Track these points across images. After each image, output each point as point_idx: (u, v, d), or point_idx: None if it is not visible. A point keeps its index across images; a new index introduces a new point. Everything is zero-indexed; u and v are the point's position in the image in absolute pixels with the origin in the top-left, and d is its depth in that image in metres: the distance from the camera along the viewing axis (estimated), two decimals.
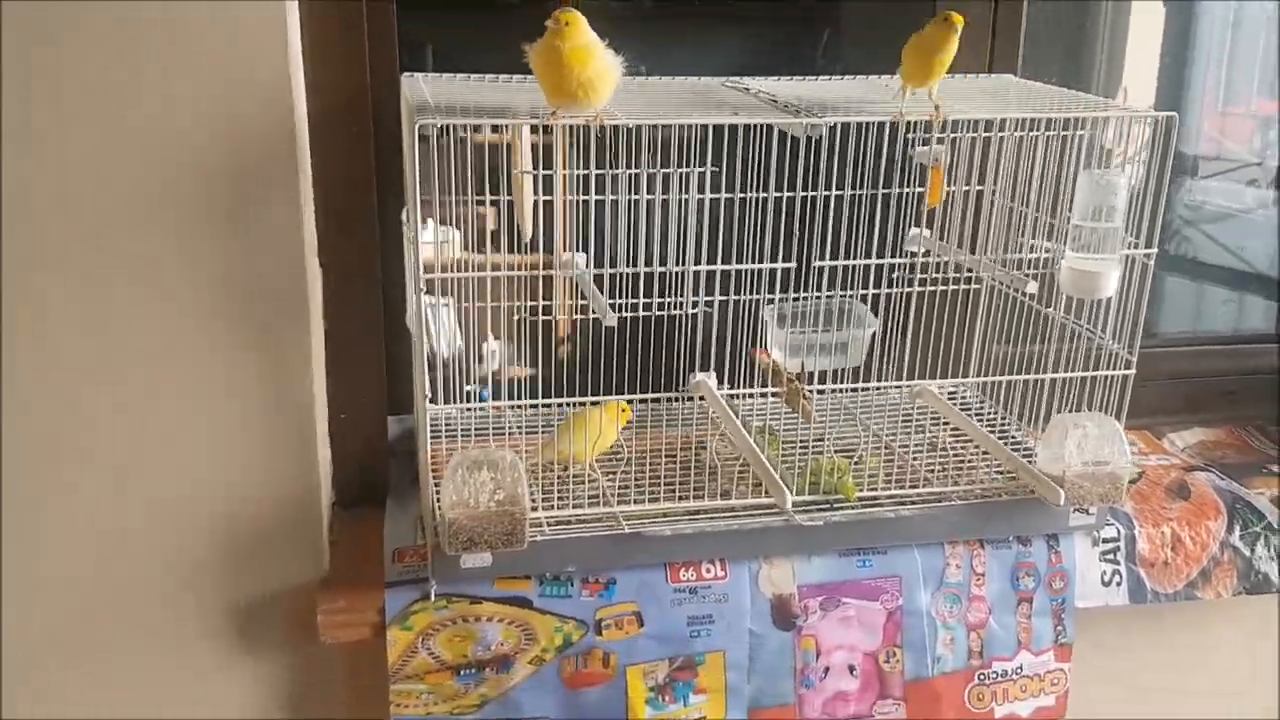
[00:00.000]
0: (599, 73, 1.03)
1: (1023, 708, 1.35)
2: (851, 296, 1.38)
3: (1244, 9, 1.96)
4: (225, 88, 1.10)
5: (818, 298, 1.33)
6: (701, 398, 1.38)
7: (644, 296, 1.28)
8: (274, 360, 1.19)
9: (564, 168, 1.21)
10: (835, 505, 1.26)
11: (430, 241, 1.19)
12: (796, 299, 1.35)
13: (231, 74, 1.09)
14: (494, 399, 1.28)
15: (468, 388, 1.36)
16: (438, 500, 1.11)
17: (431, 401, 1.12)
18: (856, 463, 1.32)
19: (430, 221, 1.19)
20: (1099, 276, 1.15)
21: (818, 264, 1.19)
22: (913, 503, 1.27)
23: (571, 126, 1.15)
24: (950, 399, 1.53)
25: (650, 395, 1.23)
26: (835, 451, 1.32)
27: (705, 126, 1.13)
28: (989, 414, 1.47)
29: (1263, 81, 1.95)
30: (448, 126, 1.05)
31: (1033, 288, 1.29)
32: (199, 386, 1.18)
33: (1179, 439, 1.67)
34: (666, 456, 1.27)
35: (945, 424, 1.42)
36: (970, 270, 1.38)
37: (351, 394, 1.32)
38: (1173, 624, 1.48)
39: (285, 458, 1.20)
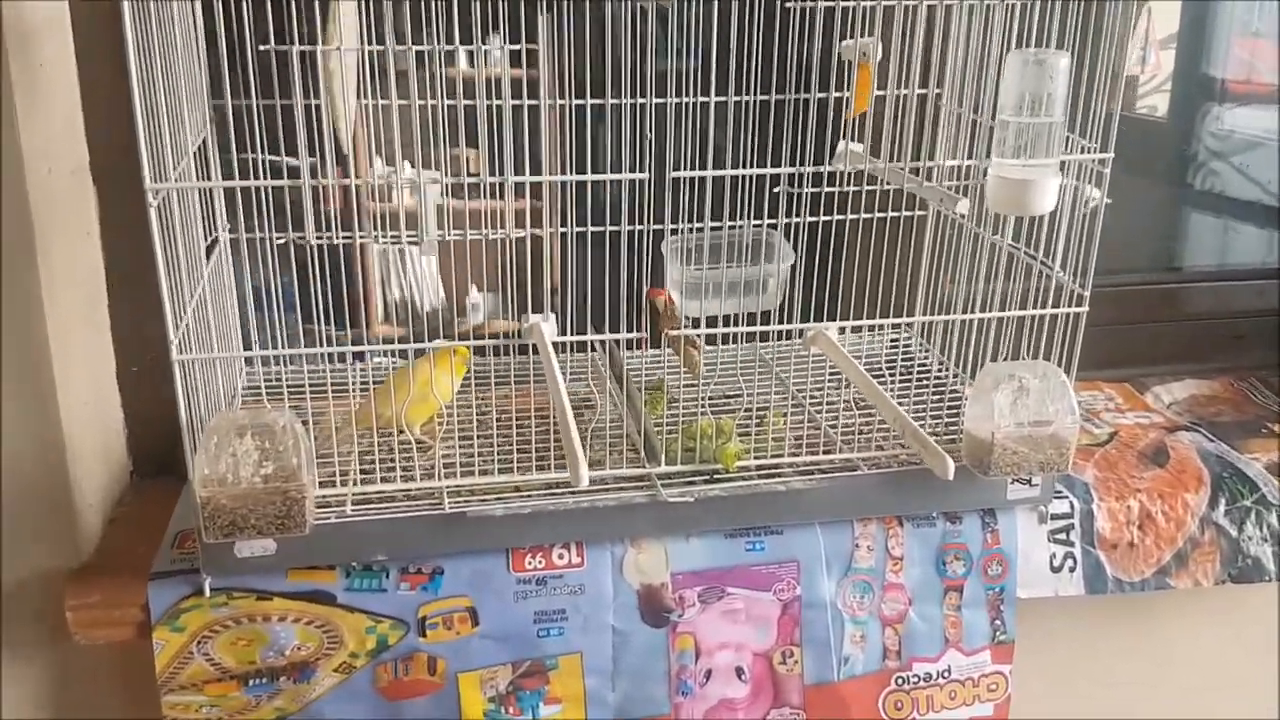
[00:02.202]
0: None
1: (952, 717, 1.12)
2: (764, 226, 1.15)
3: None
4: None
5: (716, 228, 1.10)
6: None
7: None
8: None
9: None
10: (714, 477, 1.03)
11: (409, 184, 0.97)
12: (698, 230, 1.12)
13: None
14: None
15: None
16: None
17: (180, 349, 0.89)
18: (759, 425, 1.09)
19: (408, 164, 0.96)
20: (1030, 186, 0.90)
21: (673, 175, 0.95)
22: (809, 472, 1.04)
23: None
24: (893, 347, 1.29)
25: (477, 342, 1.00)
26: (725, 412, 1.08)
27: None
28: (932, 366, 1.23)
29: None
30: None
31: (964, 207, 1.04)
32: None
33: (1166, 393, 1.42)
34: (519, 419, 1.03)
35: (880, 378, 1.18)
36: (890, 185, 1.12)
37: (146, 343, 1.09)
38: (1140, 618, 1.24)
39: (24, 419, 0.98)
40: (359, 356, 1.20)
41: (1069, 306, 1.03)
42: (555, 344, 0.97)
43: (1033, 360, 1.04)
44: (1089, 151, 0.98)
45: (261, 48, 0.94)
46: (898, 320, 1.08)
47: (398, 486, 0.99)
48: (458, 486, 1.00)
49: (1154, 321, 1.49)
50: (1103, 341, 1.46)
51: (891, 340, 1.31)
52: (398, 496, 0.99)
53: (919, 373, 1.19)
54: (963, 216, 1.10)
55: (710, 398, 1.11)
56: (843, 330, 1.05)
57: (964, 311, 1.12)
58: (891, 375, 1.19)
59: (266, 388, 1.13)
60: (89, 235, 1.06)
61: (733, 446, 1.02)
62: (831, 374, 1.12)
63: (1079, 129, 0.97)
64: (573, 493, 1.00)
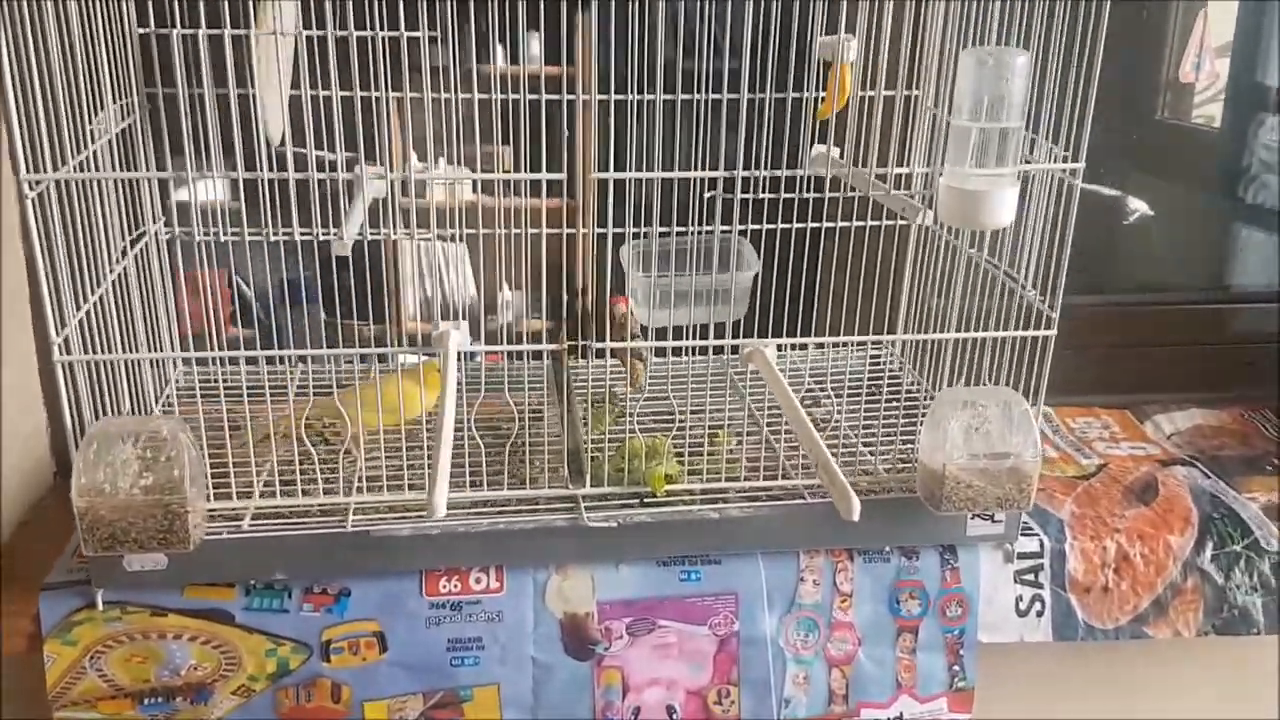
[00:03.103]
0: None
1: None
2: (734, 233, 1.08)
3: None
4: None
5: (680, 234, 1.04)
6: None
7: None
8: None
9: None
10: (644, 501, 0.96)
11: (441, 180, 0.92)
12: (664, 235, 1.05)
13: None
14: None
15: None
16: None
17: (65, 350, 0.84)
18: (712, 444, 1.01)
19: (441, 160, 0.93)
20: (982, 198, 0.82)
21: (600, 176, 0.88)
22: (756, 498, 0.96)
23: None
24: (875, 365, 1.21)
25: (374, 350, 0.93)
26: (670, 432, 1.00)
27: None
28: (905, 387, 1.14)
29: None
30: None
31: (928, 218, 0.96)
32: None
33: (1168, 422, 1.32)
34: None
35: (830, 398, 1.10)
36: (855, 192, 1.04)
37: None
38: (1114, 670, 1.14)
39: None
40: (302, 359, 1.15)
41: (1036, 329, 0.94)
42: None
43: (994, 387, 0.95)
44: (1058, 160, 0.90)
45: (186, 32, 0.88)
46: (842, 340, 0.99)
47: (308, 501, 0.93)
48: (366, 503, 0.94)
49: (1153, 345, 1.39)
50: (1124, 364, 1.39)
51: (874, 358, 1.22)
52: (312, 511, 0.93)
53: (890, 394, 1.10)
54: (926, 228, 1.02)
55: (661, 415, 1.05)
56: (781, 348, 0.97)
57: (938, 330, 1.05)
58: (865, 396, 1.11)
59: (203, 390, 1.08)
60: (11, 230, 1.02)
61: (661, 469, 0.95)
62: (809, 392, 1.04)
63: (1042, 131, 0.89)
64: (489, 514, 0.94)
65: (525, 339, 1.06)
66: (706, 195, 0.92)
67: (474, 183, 0.95)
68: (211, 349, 0.99)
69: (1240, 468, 1.20)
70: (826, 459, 0.78)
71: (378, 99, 0.84)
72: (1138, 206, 1.51)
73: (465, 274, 1.41)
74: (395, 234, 0.96)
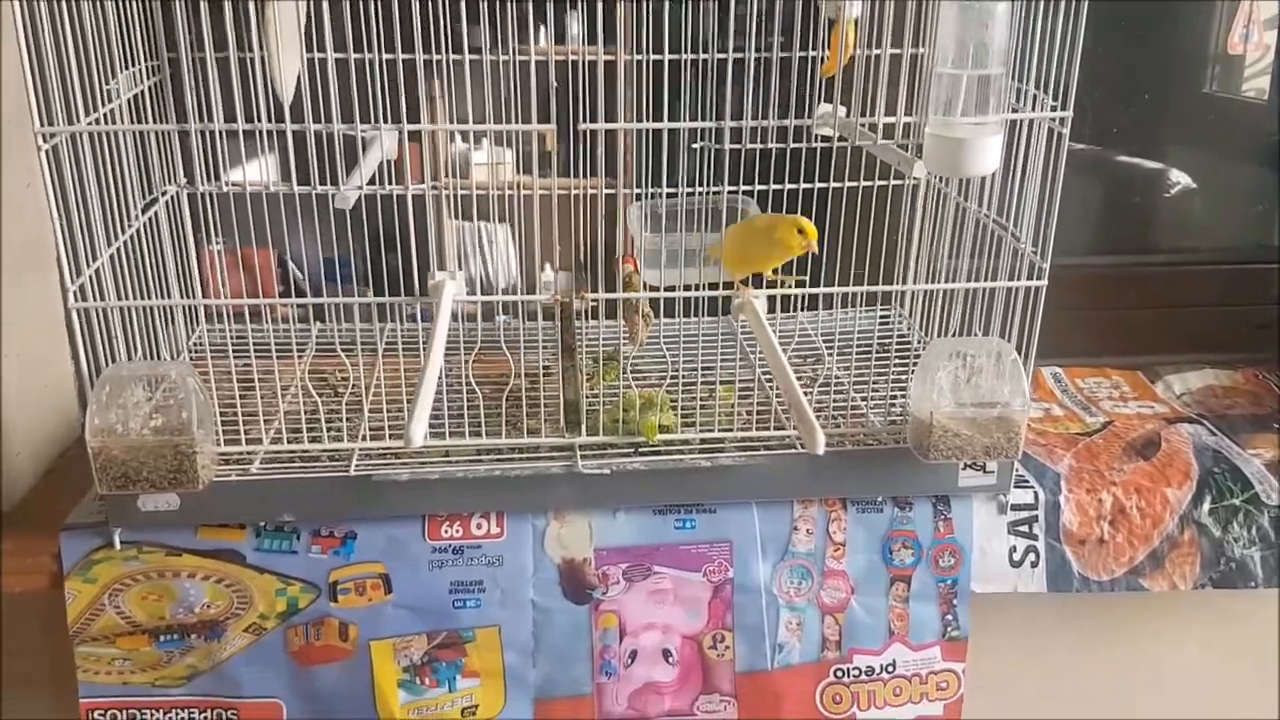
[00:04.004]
0: None
1: (897, 716, 1.06)
2: (739, 194, 1.10)
3: None
4: None
5: (690, 194, 1.06)
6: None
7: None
8: None
9: None
10: (638, 450, 0.98)
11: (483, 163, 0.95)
12: (671, 195, 1.07)
13: None
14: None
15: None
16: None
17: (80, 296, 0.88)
18: (705, 399, 1.03)
19: (484, 141, 0.95)
20: (964, 145, 0.83)
21: (584, 127, 0.90)
22: (753, 448, 0.98)
23: None
24: (885, 326, 1.22)
25: (378, 299, 0.96)
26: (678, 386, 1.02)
27: None
28: (915, 346, 1.15)
29: None
30: None
31: (920, 170, 0.97)
32: None
33: (1179, 382, 1.32)
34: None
35: (830, 354, 1.11)
36: (845, 143, 1.05)
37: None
38: (1110, 621, 1.15)
39: None
40: (320, 316, 1.19)
41: (1028, 280, 0.95)
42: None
43: (985, 338, 0.96)
44: (1047, 109, 0.90)
45: None
46: (832, 290, 1.00)
47: (315, 447, 0.97)
48: (370, 449, 0.97)
49: (1170, 306, 1.39)
50: (1148, 326, 1.39)
51: (884, 320, 1.23)
52: (320, 457, 0.97)
53: (899, 355, 1.11)
54: (917, 180, 1.03)
55: (670, 373, 1.06)
56: (775, 306, 0.99)
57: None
58: (871, 354, 1.12)
59: (212, 347, 1.12)
60: (29, 187, 1.06)
61: (654, 418, 0.97)
62: (798, 350, 1.06)
63: (1026, 79, 0.89)
64: (487, 460, 0.97)
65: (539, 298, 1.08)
66: (696, 145, 0.93)
67: (516, 163, 0.97)
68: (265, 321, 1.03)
69: (1248, 426, 1.20)
70: (797, 396, 0.80)
71: (408, 64, 0.86)
72: (1179, 179, 1.50)
73: (509, 254, 1.43)
74: (408, 191, 0.99)
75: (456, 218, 0.98)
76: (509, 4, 0.90)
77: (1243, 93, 1.49)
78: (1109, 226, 1.50)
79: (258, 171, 1.00)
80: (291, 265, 1.47)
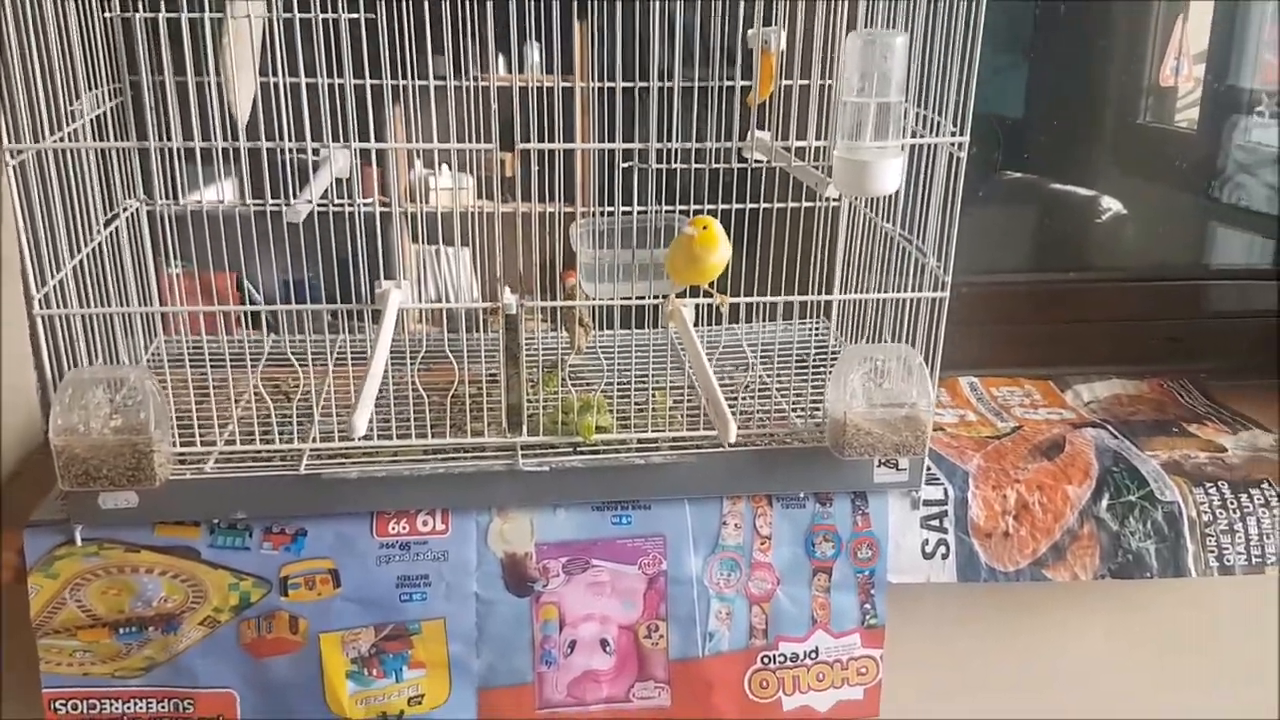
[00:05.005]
0: None
1: (820, 700, 1.12)
2: (675, 212, 1.17)
3: None
4: None
5: (626, 213, 1.12)
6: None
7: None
8: None
9: None
10: (577, 449, 1.05)
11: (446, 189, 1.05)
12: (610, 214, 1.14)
13: None
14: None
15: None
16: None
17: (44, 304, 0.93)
18: (646, 403, 1.10)
19: (445, 167, 1.04)
20: (866, 167, 0.91)
21: (522, 147, 0.97)
22: (683, 447, 1.05)
23: None
24: (820, 339, 1.29)
25: (328, 306, 1.02)
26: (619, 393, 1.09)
27: None
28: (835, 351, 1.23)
29: None
30: None
31: (833, 190, 1.05)
32: None
33: (1087, 391, 1.41)
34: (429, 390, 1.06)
35: (755, 362, 1.19)
36: (764, 164, 1.13)
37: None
38: (1017, 606, 1.23)
39: None
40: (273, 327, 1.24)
41: (932, 291, 1.03)
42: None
43: (894, 344, 1.04)
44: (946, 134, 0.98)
45: (159, 15, 0.97)
46: (752, 299, 1.07)
47: (267, 448, 1.02)
48: (319, 449, 1.02)
49: (1096, 321, 1.48)
50: (1065, 340, 1.48)
51: (817, 334, 1.31)
52: (271, 457, 1.02)
53: (820, 360, 1.19)
54: (831, 200, 1.11)
55: (612, 381, 1.12)
56: (698, 310, 1.06)
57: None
58: (792, 361, 1.20)
59: (169, 358, 1.17)
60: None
61: (591, 419, 1.04)
62: (730, 360, 1.13)
63: (943, 113, 0.98)
64: (433, 459, 1.03)
65: (484, 310, 1.14)
66: (622, 165, 1.01)
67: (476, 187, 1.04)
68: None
69: (1149, 430, 1.28)
70: (713, 389, 0.87)
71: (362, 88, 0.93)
72: (1110, 205, 1.60)
73: (466, 275, 1.49)
74: (358, 206, 1.05)
75: (417, 241, 1.04)
76: (471, 34, 0.96)
77: (1175, 123, 1.59)
78: (1040, 250, 1.59)
79: (215, 192, 1.06)
80: (249, 288, 1.52)
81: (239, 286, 1.47)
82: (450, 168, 1.20)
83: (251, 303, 1.50)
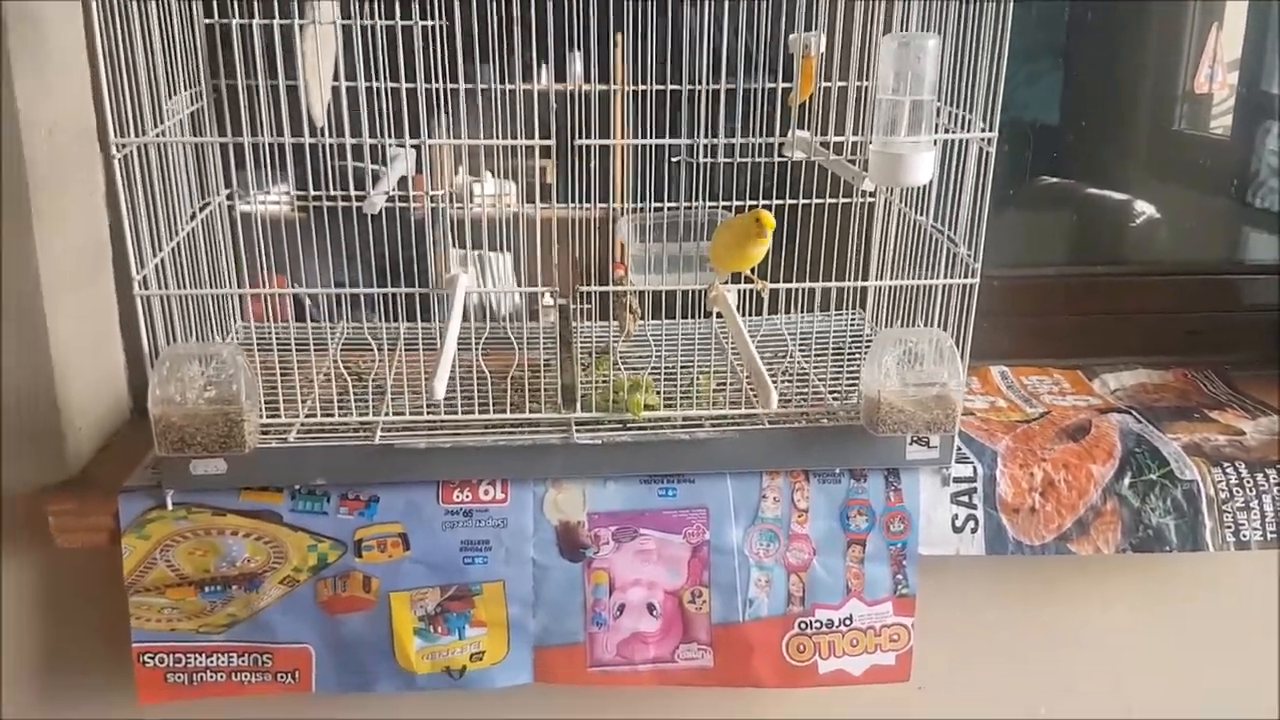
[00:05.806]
0: None
1: (854, 664, 1.19)
2: (719, 208, 1.25)
3: None
4: None
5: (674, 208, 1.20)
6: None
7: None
8: None
9: None
10: (626, 425, 1.12)
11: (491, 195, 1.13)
12: (658, 210, 1.22)
13: None
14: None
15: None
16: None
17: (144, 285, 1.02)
18: (694, 384, 1.17)
19: (488, 174, 1.11)
20: (901, 160, 0.98)
21: (580, 143, 1.04)
22: (713, 424, 1.12)
23: None
24: (855, 329, 1.36)
25: (397, 289, 1.10)
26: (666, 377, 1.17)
27: None
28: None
29: None
30: None
31: (869, 185, 1.12)
32: None
33: (1114, 379, 1.47)
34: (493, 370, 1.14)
35: (796, 348, 1.26)
36: (802, 158, 1.20)
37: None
38: (1043, 579, 1.29)
39: (19, 356, 1.12)
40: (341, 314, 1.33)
41: (962, 277, 1.09)
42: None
43: (926, 328, 1.11)
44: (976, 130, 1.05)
45: (241, 22, 1.06)
46: (793, 285, 1.15)
47: (345, 419, 1.11)
48: (393, 422, 1.11)
49: (1118, 313, 1.54)
50: (1095, 331, 1.54)
51: (854, 324, 1.37)
52: (349, 429, 1.11)
53: (856, 347, 1.27)
54: (867, 194, 1.18)
55: (658, 366, 1.19)
56: (740, 297, 1.14)
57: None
58: (827, 347, 1.26)
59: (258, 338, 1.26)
60: (92, 194, 1.20)
61: (640, 397, 1.11)
62: (770, 346, 1.20)
63: (961, 104, 1.04)
64: (494, 432, 1.11)
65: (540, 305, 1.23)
66: (671, 160, 1.08)
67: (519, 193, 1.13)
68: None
69: (1171, 416, 1.34)
70: (754, 361, 0.94)
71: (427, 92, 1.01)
72: (1144, 209, 1.66)
73: (509, 280, 1.56)
74: (425, 205, 1.14)
75: (460, 247, 1.12)
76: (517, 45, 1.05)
77: (1210, 130, 1.65)
78: (1073, 251, 1.65)
79: (281, 191, 1.15)
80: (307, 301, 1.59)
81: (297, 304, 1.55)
82: (494, 174, 1.28)
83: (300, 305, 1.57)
